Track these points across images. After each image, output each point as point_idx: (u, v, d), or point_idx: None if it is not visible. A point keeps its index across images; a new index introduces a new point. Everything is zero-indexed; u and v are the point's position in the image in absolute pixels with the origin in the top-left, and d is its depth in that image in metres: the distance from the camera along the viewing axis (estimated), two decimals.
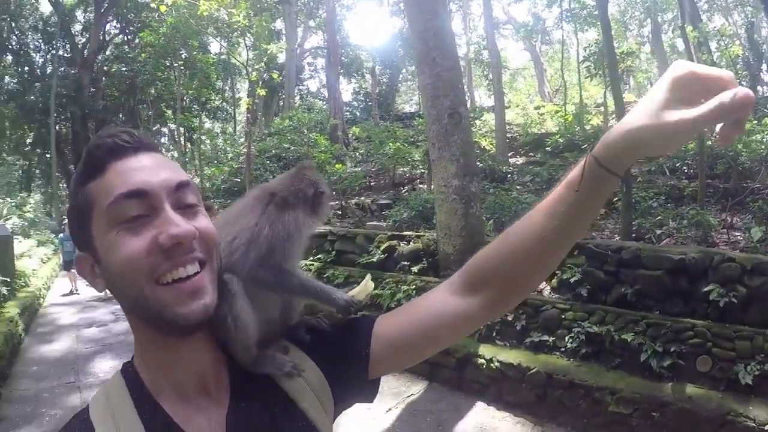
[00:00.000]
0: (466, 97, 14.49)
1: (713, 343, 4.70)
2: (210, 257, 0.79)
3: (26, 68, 28.88)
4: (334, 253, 8.80)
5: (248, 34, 18.75)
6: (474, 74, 29.89)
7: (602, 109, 15.94)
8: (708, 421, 4.21)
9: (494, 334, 5.93)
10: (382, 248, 7.95)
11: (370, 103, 26.92)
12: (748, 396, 4.36)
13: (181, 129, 25.65)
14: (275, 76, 20.23)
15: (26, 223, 16.40)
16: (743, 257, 5.10)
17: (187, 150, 27.89)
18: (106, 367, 6.71)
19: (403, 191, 12.59)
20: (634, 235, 6.95)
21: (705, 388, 4.55)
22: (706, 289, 4.99)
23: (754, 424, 4.02)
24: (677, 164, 9.97)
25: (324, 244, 9.04)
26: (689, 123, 0.64)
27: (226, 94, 29.93)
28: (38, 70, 29.03)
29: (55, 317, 9.88)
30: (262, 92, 18.36)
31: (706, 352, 4.69)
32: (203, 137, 29.07)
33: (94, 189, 0.75)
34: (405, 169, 14.26)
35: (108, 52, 29.47)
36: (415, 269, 7.33)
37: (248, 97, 19.60)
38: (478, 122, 16.23)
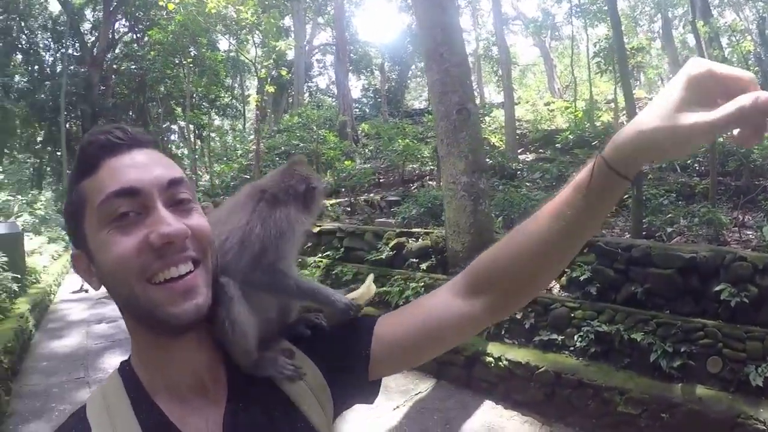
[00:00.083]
0: (476, 94, 14.45)
1: (724, 344, 4.63)
2: (204, 256, 0.78)
3: (36, 67, 29.08)
4: (342, 250, 8.79)
5: (257, 31, 18.81)
6: (483, 70, 29.79)
7: (612, 105, 15.79)
8: (718, 423, 4.15)
9: (503, 333, 5.89)
10: (390, 245, 7.92)
11: (379, 100, 26.93)
12: (758, 398, 4.29)
13: (191, 126, 25.76)
14: (284, 73, 20.24)
15: (37, 221, 16.51)
16: (755, 256, 5.02)
17: (197, 147, 27.99)
18: (116, 362, 6.49)
19: (412, 188, 12.54)
20: (644, 233, 6.86)
21: (715, 390, 4.49)
22: (717, 288, 4.91)
23: (764, 427, 3.95)
24: (688, 161, 9.85)
25: (333, 240, 9.06)
26: (705, 127, 0.60)
27: (235, 92, 30.00)
28: (48, 69, 29.21)
29: (66, 313, 9.94)
30: (271, 89, 18.42)
31: (716, 353, 4.62)
32: (213, 134, 29.34)
33: (87, 187, 0.75)
34: (414, 166, 14.21)
35: (117, 51, 29.58)
36: (423, 266, 7.29)
37: (257, 94, 19.71)
38: (487, 119, 16.11)
